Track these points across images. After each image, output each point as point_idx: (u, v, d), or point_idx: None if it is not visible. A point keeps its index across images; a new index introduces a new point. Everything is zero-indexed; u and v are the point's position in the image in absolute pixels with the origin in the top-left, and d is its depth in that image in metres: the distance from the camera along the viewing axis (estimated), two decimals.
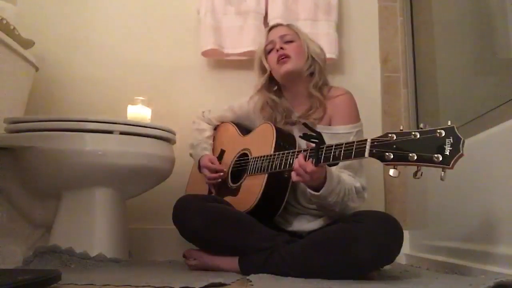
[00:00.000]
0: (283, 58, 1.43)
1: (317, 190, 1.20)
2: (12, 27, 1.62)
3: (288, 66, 1.43)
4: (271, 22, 1.87)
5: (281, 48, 1.44)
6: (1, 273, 1.00)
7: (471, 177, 1.23)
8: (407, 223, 1.74)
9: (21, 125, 1.47)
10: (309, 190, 1.22)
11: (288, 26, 1.52)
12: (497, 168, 1.14)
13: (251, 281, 1.08)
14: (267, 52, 1.49)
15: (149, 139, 1.52)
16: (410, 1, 1.95)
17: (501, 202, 1.12)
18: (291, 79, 1.45)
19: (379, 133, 2.03)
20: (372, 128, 1.86)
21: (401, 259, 1.69)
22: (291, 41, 1.46)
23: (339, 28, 1.93)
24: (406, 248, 1.71)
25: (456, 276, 1.22)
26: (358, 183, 1.32)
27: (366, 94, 1.87)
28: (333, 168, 1.24)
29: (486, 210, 1.19)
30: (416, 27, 1.92)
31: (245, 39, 1.87)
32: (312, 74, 1.46)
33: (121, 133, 1.47)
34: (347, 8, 2.00)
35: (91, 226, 1.49)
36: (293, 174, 1.17)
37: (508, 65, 1.29)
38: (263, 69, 1.50)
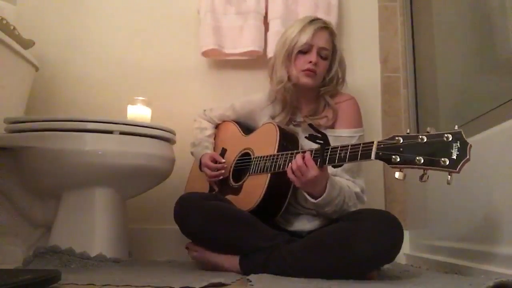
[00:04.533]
0: (310, 72, 1.40)
1: (316, 197, 1.20)
2: (12, 27, 1.62)
3: (309, 81, 1.40)
4: (271, 22, 1.87)
5: (316, 63, 1.39)
6: (1, 273, 1.00)
7: (471, 177, 1.22)
8: (407, 223, 1.74)
9: (21, 125, 1.47)
10: (307, 196, 1.22)
11: (332, 35, 1.45)
12: (497, 168, 1.14)
13: (251, 281, 1.08)
14: (300, 51, 1.41)
15: (149, 139, 1.52)
16: (410, 1, 1.95)
17: (501, 202, 1.12)
18: (306, 88, 1.44)
19: (380, 133, 2.04)
20: (372, 128, 1.87)
21: (401, 259, 1.69)
22: (325, 58, 1.42)
23: (339, 28, 1.93)
24: (406, 248, 1.71)
25: (456, 276, 1.22)
26: (358, 187, 1.33)
27: (366, 94, 1.87)
28: (334, 171, 1.24)
29: (486, 210, 1.19)
30: (416, 27, 1.91)
31: (245, 39, 1.87)
32: (329, 85, 1.44)
33: (121, 133, 1.47)
34: (347, 8, 2.00)
35: (91, 226, 1.49)
36: (289, 170, 1.17)
37: (508, 65, 1.29)
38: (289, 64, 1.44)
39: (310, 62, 1.39)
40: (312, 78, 1.41)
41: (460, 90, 1.64)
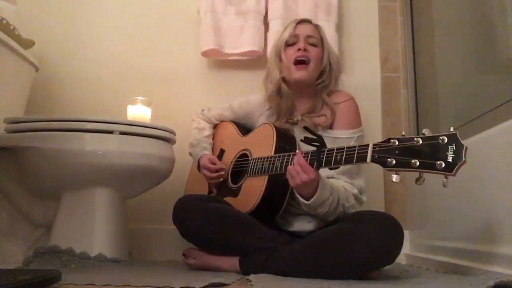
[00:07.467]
0: (301, 63, 1.39)
1: (308, 198, 1.20)
2: (12, 27, 1.62)
3: (303, 74, 1.40)
4: (271, 22, 1.88)
5: (305, 49, 1.39)
6: (1, 273, 1.00)
7: (471, 177, 1.22)
8: (407, 223, 1.74)
9: (21, 125, 1.47)
10: (299, 197, 1.22)
11: (316, 27, 1.46)
12: (497, 168, 1.14)
13: (251, 281, 1.08)
14: (288, 44, 1.43)
15: (149, 139, 1.52)
16: (410, 1, 1.95)
17: (501, 202, 1.12)
18: (301, 84, 1.43)
19: (379, 133, 2.04)
20: (372, 128, 1.86)
21: (401, 259, 1.69)
22: (314, 45, 1.42)
23: (339, 28, 1.93)
24: (406, 248, 1.71)
25: (456, 276, 1.22)
26: (355, 189, 1.32)
27: (366, 94, 1.87)
28: (330, 173, 1.24)
29: (486, 210, 1.19)
30: (416, 27, 1.92)
31: (245, 39, 1.87)
32: (323, 79, 1.44)
33: (121, 133, 1.47)
34: (347, 8, 2.00)
35: (91, 226, 1.49)
36: (289, 173, 1.17)
37: (508, 65, 1.29)
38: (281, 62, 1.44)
39: (299, 49, 1.39)
40: (304, 71, 1.39)
41: (460, 90, 1.64)
